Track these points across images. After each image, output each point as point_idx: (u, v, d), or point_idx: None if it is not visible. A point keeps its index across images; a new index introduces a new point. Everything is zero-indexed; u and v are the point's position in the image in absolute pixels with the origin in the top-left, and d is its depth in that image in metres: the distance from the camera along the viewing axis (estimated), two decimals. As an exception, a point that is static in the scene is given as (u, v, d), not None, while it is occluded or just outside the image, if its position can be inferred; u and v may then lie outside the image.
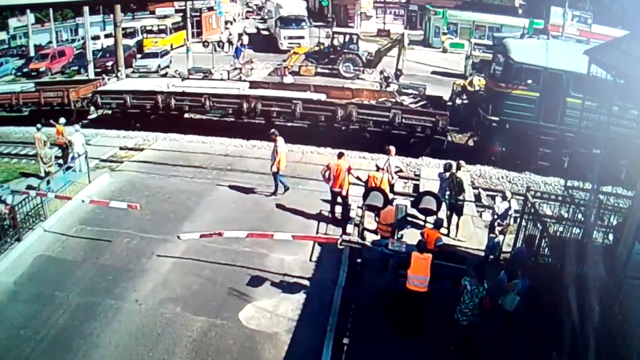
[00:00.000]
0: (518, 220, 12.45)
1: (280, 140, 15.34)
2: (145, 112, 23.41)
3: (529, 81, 18.11)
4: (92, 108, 25.67)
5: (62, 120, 18.89)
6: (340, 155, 14.10)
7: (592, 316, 7.65)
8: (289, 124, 22.11)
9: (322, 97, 23.01)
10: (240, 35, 43.90)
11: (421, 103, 22.75)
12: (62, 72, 38.62)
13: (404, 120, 20.40)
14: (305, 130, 21.90)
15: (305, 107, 21.60)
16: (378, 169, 13.83)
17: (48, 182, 15.13)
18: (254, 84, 25.47)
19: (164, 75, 33.47)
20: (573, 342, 7.73)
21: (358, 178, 14.09)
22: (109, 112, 24.78)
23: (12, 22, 52.33)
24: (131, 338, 9.75)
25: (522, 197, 13.33)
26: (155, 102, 23.08)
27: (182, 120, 23.92)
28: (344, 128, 21.35)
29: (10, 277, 11.49)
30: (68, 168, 16.55)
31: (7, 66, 40.44)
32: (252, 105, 22.03)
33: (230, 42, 42.32)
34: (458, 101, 25.51)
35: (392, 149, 14.89)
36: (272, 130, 15.85)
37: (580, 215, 10.33)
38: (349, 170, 13.75)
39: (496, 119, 19.06)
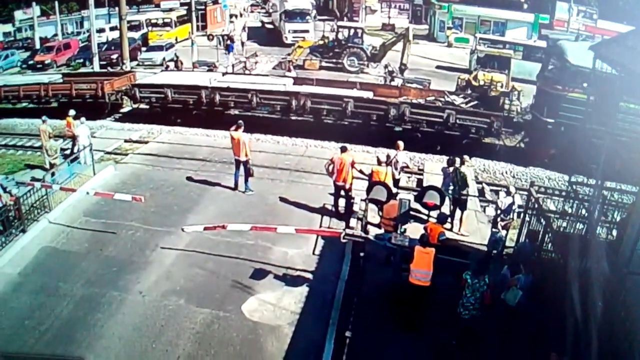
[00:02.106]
0: (521, 215, 12.44)
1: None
2: (188, 107, 22.99)
3: (585, 84, 18.00)
4: (126, 101, 25.42)
5: (72, 112, 18.93)
6: (343, 149, 14.08)
7: (594, 312, 7.63)
8: (339, 122, 21.70)
9: (370, 95, 22.64)
10: (242, 29, 43.68)
11: (472, 103, 22.18)
12: (68, 65, 38.67)
13: (457, 121, 20.00)
14: (355, 128, 21.47)
15: (356, 105, 21.14)
16: (379, 162, 13.82)
17: (53, 174, 15.20)
18: (297, 80, 24.94)
19: (167, 68, 33.38)
20: (575, 338, 7.73)
21: (361, 172, 14.08)
22: (147, 106, 24.32)
23: (18, 14, 52.40)
24: (135, 330, 9.80)
25: (526, 192, 13.31)
26: (198, 97, 22.64)
27: (224, 116, 22.91)
28: (396, 128, 20.84)
29: (15, 269, 11.55)
30: (73, 160, 16.59)
31: (13, 58, 40.57)
32: (301, 102, 21.57)
33: (228, 37, 41.97)
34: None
35: (401, 144, 14.87)
36: (239, 121, 15.48)
37: (584, 211, 10.31)
38: (352, 164, 13.74)
39: (552, 120, 18.99)
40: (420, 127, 20.53)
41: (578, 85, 18.03)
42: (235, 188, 15.35)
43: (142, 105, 24.64)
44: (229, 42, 38.41)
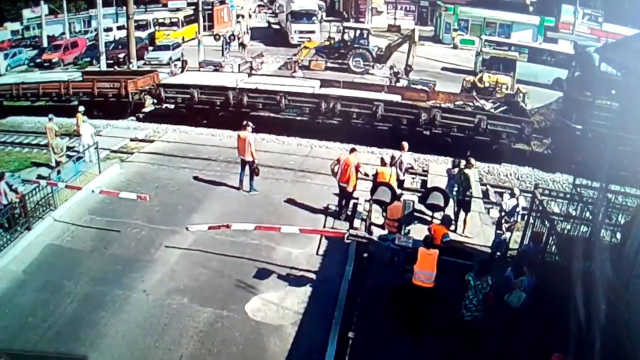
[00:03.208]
0: (525, 217, 12.42)
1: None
2: (214, 108, 22.67)
3: (613, 92, 17.91)
4: (148, 101, 25.30)
5: (81, 108, 19.11)
6: (351, 151, 14.09)
7: (598, 315, 7.62)
8: (368, 126, 21.41)
9: (398, 98, 22.31)
10: (244, 33, 43.40)
11: (502, 108, 21.85)
12: (75, 63, 38.94)
13: (489, 126, 19.69)
14: (385, 132, 21.12)
15: (387, 109, 20.82)
16: (384, 163, 13.81)
17: (59, 172, 15.28)
18: (325, 83, 24.45)
19: (175, 67, 33.33)
20: (579, 341, 7.72)
21: (366, 174, 14.06)
22: (171, 106, 24.00)
23: (26, 12, 52.79)
24: (138, 328, 9.84)
25: (530, 195, 13.29)
26: (225, 98, 22.33)
27: (248, 117, 22.26)
28: (425, 132, 20.53)
29: (20, 266, 11.61)
30: (79, 158, 16.67)
31: (21, 56, 40.91)
32: (330, 105, 21.26)
33: (235, 37, 41.88)
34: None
35: (405, 145, 14.86)
36: (246, 121, 15.51)
37: (588, 214, 10.29)
38: (357, 167, 13.67)
39: (580, 127, 18.91)
40: (451, 132, 20.20)
41: (607, 92, 17.93)
42: (239, 187, 15.39)
43: (167, 106, 24.35)
44: (236, 41, 38.51)
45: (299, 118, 22.56)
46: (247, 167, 15.15)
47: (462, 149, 19.09)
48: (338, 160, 13.81)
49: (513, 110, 21.33)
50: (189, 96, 22.82)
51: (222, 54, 36.15)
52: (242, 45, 40.32)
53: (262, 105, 22.41)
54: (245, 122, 15.28)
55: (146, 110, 25.91)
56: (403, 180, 15.24)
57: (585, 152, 18.50)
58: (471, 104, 22.36)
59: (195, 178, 16.33)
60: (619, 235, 9.68)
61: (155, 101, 24.88)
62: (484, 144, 19.75)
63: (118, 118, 23.64)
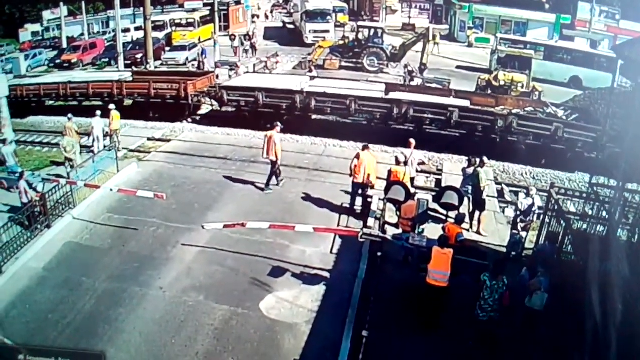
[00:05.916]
0: (541, 217, 12.33)
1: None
2: (280, 112, 21.63)
3: None
4: (205, 103, 25.02)
5: (112, 106, 19.62)
6: (364, 148, 14.13)
7: (615, 315, 7.57)
8: (442, 132, 20.71)
9: (467, 103, 21.60)
10: (249, 38, 41.83)
11: (574, 116, 21.07)
12: (93, 64, 39.42)
13: (565, 134, 18.92)
14: (460, 139, 20.47)
15: (461, 115, 20.07)
16: (398, 162, 13.82)
17: (72, 167, 15.49)
18: (390, 87, 23.67)
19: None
20: (595, 341, 7.68)
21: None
22: (231, 109, 23.51)
23: (46, 14, 53.54)
24: (155, 325, 9.98)
25: (546, 194, 13.19)
26: (292, 102, 21.61)
27: (313, 122, 22.09)
28: (499, 139, 19.74)
29: (40, 263, 11.84)
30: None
31: (41, 57, 41.49)
32: (402, 110, 20.53)
33: (249, 37, 41.43)
34: None
35: (413, 141, 14.86)
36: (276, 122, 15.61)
37: (604, 213, 10.20)
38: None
39: None
40: (527, 140, 19.50)
41: None
42: (265, 188, 15.45)
43: (227, 108, 23.92)
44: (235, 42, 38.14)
45: (365, 123, 21.82)
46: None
47: (537, 157, 18.84)
48: (357, 157, 13.88)
49: (583, 118, 20.58)
50: (253, 99, 22.17)
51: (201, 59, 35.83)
52: (245, 50, 39.58)
53: (330, 110, 21.85)
54: (274, 123, 15.42)
55: (202, 112, 25.67)
56: (413, 178, 15.19)
57: None
58: (542, 110, 21.65)
59: (211, 177, 16.48)
60: (636, 235, 9.59)
61: (213, 103, 24.50)
62: (558, 151, 19.05)
63: (175, 120, 23.32)
